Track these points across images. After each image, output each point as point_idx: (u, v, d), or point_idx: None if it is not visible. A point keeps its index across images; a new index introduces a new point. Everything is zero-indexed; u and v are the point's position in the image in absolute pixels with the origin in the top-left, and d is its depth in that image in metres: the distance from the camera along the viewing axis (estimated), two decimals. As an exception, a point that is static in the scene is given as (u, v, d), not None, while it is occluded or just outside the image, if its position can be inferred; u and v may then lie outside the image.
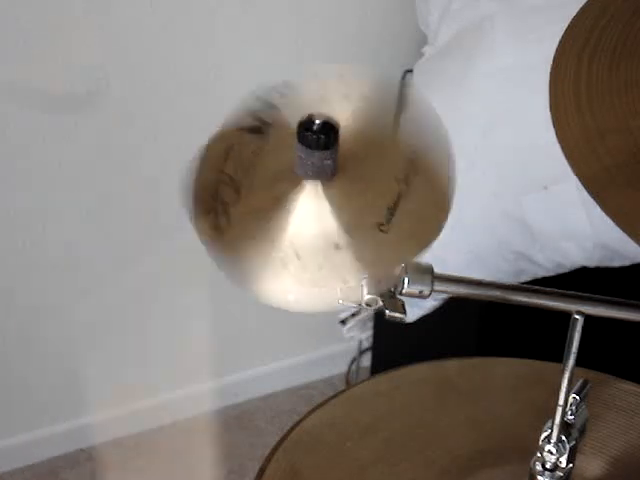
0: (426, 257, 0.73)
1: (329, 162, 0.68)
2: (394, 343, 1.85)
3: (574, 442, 0.80)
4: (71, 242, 1.69)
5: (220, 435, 1.96)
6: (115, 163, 1.64)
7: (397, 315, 0.73)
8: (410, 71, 1.66)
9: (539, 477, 0.81)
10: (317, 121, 0.67)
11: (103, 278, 1.76)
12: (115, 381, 1.90)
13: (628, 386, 0.94)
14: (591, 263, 1.37)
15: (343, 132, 0.70)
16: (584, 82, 0.68)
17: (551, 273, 1.41)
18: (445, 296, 1.39)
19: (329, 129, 0.67)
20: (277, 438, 0.90)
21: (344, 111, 0.72)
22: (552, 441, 0.79)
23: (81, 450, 1.91)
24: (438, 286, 0.75)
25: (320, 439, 0.90)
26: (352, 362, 2.06)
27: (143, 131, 1.62)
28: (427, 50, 1.55)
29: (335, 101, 0.72)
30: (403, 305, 0.73)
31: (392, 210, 0.69)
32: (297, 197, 0.69)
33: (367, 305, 0.71)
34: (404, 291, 0.74)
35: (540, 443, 0.80)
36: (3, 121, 1.52)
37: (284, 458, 0.88)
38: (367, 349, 2.04)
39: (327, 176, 0.69)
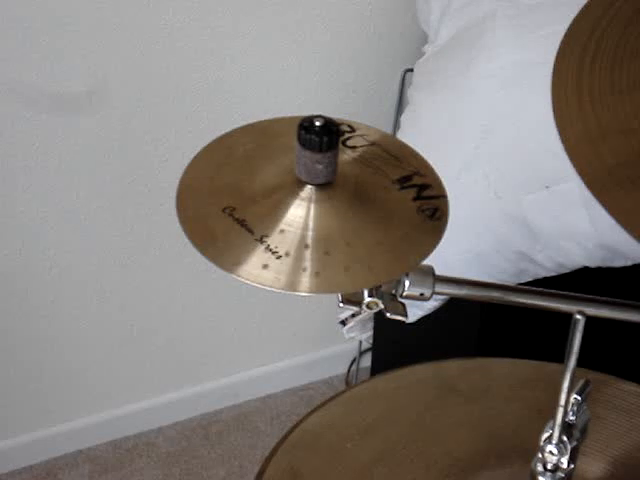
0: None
1: (321, 167, 0.66)
2: (394, 343, 1.84)
3: (575, 443, 0.79)
4: (70, 242, 1.69)
5: (219, 436, 1.95)
6: (115, 163, 1.63)
7: (398, 318, 0.73)
8: (410, 70, 1.66)
9: (540, 478, 0.81)
10: (317, 123, 0.65)
11: (103, 278, 1.75)
12: (114, 381, 1.90)
13: (629, 387, 0.94)
14: (592, 263, 1.37)
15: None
16: (586, 82, 0.68)
17: (552, 273, 1.40)
18: (446, 297, 1.39)
19: (325, 133, 0.65)
20: (277, 439, 0.90)
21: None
22: (553, 442, 0.79)
23: (80, 451, 1.91)
24: (439, 288, 0.74)
25: (320, 440, 0.90)
26: (352, 363, 2.06)
27: (143, 131, 1.62)
28: (428, 49, 1.55)
29: None
30: (404, 307, 0.73)
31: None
32: (292, 198, 0.68)
33: (368, 308, 0.71)
34: (405, 294, 0.73)
35: (541, 444, 0.80)
36: (3, 121, 1.52)
37: (284, 459, 0.88)
38: (367, 349, 2.04)
39: (320, 181, 0.67)
